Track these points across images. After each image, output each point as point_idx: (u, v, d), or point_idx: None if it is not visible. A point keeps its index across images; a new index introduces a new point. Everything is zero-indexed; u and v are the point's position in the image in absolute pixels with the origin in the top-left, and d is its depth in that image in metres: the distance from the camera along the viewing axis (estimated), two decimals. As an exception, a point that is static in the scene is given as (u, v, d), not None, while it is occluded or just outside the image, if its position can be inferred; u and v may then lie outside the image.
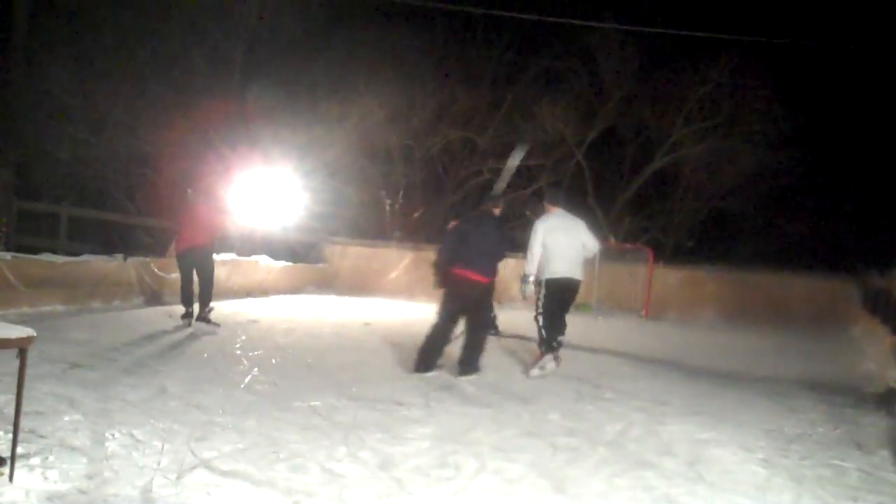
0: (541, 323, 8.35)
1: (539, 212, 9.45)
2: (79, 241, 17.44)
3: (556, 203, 9.07)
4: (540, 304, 8.38)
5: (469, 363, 7.77)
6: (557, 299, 8.39)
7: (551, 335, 8.30)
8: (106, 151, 20.48)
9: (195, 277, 10.27)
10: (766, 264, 19.32)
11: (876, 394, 8.08)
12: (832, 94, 21.29)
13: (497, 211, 8.57)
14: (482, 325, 8.20)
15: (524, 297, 8.86)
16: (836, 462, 5.26)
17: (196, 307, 10.00)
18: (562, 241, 8.55)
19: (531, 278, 8.44)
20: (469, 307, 7.85)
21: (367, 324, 11.68)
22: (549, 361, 8.21)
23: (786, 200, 22.32)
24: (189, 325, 9.86)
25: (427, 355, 7.79)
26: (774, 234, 23.20)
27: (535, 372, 8.11)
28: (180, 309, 10.17)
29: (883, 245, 19.52)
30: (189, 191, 10.79)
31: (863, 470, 5.12)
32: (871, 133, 21.64)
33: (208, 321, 9.87)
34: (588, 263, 9.69)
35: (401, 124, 21.47)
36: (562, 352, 8.35)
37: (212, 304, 10.11)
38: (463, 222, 8.51)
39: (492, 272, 8.04)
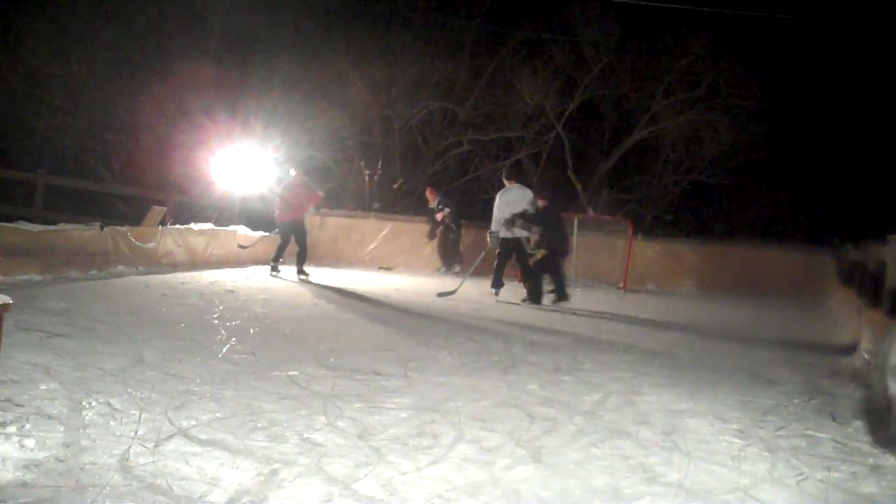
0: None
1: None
2: (55, 209, 17.31)
3: (510, 179, 12.64)
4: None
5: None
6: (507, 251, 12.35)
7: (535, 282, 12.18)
8: (82, 119, 20.29)
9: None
10: (744, 237, 19.48)
11: (851, 365, 8.15)
12: (811, 67, 21.33)
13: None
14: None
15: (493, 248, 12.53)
16: (810, 433, 5.31)
17: (276, 264, 13.70)
18: (514, 209, 12.07)
19: (495, 234, 12.32)
20: None
21: (345, 295, 11.67)
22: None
23: (764, 174, 22.42)
24: (276, 273, 13.59)
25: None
26: (752, 207, 23.33)
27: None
28: (156, 279, 10.27)
29: (859, 219, 19.72)
30: (292, 171, 14.09)
31: (837, 440, 5.18)
32: (850, 107, 21.75)
33: (305, 273, 13.45)
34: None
35: (380, 94, 21.35)
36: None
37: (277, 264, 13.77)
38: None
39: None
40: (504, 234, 12.14)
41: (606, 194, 22.79)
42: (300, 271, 13.49)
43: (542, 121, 22.55)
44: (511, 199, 12.23)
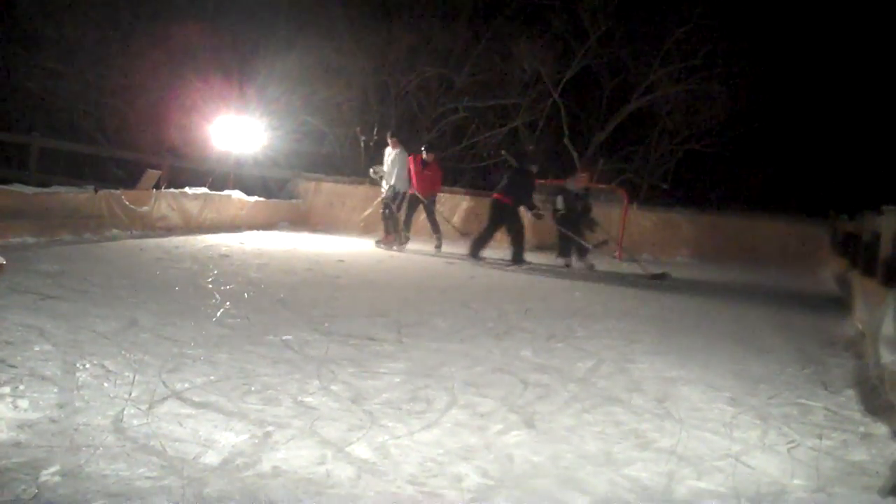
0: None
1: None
2: (49, 172, 17.24)
3: (396, 143, 14.15)
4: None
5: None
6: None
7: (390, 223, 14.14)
8: (76, 82, 20.16)
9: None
10: (740, 207, 19.46)
11: (844, 335, 8.19)
12: (809, 37, 21.22)
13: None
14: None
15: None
16: (802, 401, 5.34)
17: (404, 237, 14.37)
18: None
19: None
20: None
21: (340, 260, 11.66)
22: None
23: (760, 144, 22.37)
24: (406, 242, 14.32)
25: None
26: (748, 177, 23.30)
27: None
28: (150, 243, 10.29)
29: (854, 189, 19.71)
30: (424, 148, 14.81)
31: (828, 409, 5.20)
32: (847, 79, 21.68)
33: (440, 247, 14.46)
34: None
35: (377, 61, 21.21)
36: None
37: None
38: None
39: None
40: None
41: (602, 163, 22.72)
42: (438, 246, 14.58)
43: (539, 88, 22.44)
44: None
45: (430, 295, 9.12)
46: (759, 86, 20.97)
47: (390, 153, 14.19)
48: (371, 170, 14.86)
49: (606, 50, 22.30)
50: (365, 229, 17.21)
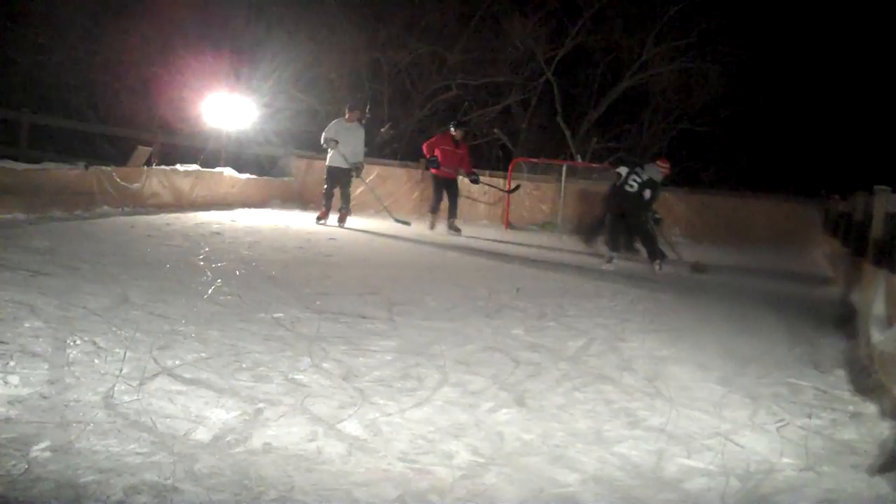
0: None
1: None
2: (39, 149, 17.13)
3: (355, 116, 13.81)
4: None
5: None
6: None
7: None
8: (67, 58, 20.02)
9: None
10: (733, 187, 19.49)
11: (834, 315, 8.21)
12: (803, 16, 21.20)
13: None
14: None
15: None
16: (792, 381, 5.35)
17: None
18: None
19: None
20: None
21: (332, 238, 11.64)
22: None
23: (753, 123, 22.38)
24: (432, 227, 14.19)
25: None
26: (741, 156, 23.31)
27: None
28: (141, 220, 10.37)
29: (846, 170, 19.74)
30: (453, 125, 14.51)
31: (818, 388, 5.22)
32: (840, 59, 21.68)
33: (457, 229, 13.97)
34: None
35: (369, 37, 21.11)
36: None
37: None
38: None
39: None
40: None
41: (595, 142, 22.70)
42: (453, 226, 14.19)
43: (532, 66, 22.39)
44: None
45: (422, 273, 9.12)
46: (753, 65, 20.95)
47: (348, 127, 13.67)
48: (329, 141, 13.48)
49: (600, 27, 22.24)
50: (356, 208, 17.15)
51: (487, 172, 17.70)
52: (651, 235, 11.33)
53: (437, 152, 14.11)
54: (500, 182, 17.13)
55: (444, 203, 14.49)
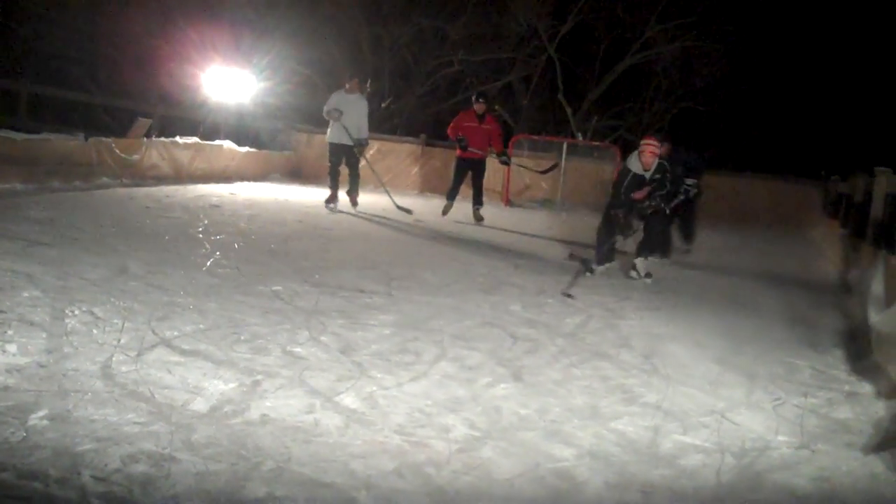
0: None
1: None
2: (39, 119, 17.06)
3: (356, 86, 12.28)
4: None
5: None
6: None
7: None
8: (67, 28, 19.91)
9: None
10: (733, 166, 19.47)
11: (833, 295, 8.23)
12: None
13: None
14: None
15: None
16: (789, 360, 5.37)
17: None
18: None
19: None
20: None
21: (331, 213, 11.62)
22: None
23: (754, 103, 22.34)
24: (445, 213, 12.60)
25: None
26: (742, 136, 23.29)
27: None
28: (140, 192, 10.44)
29: (846, 151, 19.73)
30: (474, 97, 12.81)
31: (815, 368, 5.24)
32: (841, 39, 21.61)
33: (480, 218, 12.43)
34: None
35: (371, 12, 21.00)
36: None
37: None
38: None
39: None
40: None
41: (596, 120, 22.67)
42: (477, 213, 12.60)
43: (535, 43, 22.30)
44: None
45: (421, 249, 9.13)
46: (754, 45, 20.88)
47: (349, 98, 12.01)
48: (333, 112, 11.89)
49: (602, 4, 22.14)
50: (362, 182, 17.13)
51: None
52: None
53: (462, 133, 12.37)
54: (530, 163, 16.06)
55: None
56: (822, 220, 15.48)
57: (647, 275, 8.28)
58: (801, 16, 21.17)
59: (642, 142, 8.38)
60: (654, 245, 8.77)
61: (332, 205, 12.10)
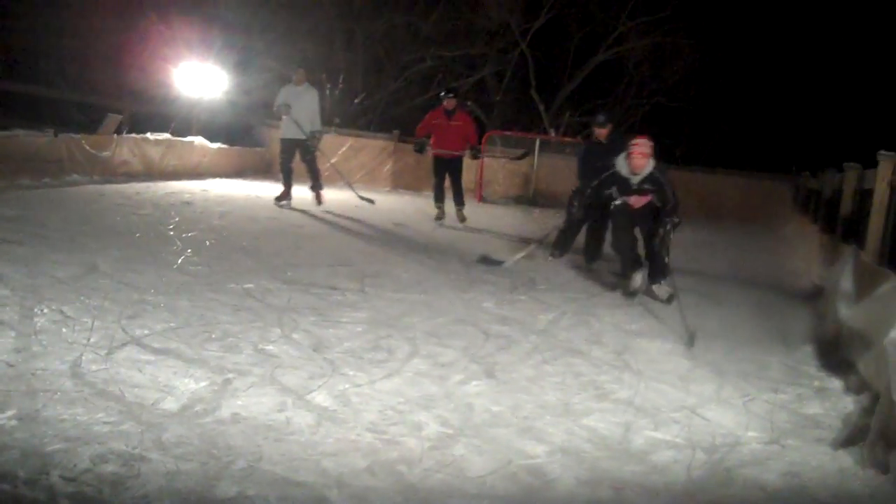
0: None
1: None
2: (7, 116, 16.87)
3: (304, 77, 12.00)
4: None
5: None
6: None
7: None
8: (35, 23, 19.69)
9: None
10: (703, 163, 19.58)
11: (803, 291, 8.29)
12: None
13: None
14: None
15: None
16: (759, 356, 5.41)
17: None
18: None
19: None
20: None
21: (303, 210, 11.57)
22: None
23: (726, 100, 22.48)
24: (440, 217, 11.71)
25: None
26: (714, 133, 23.42)
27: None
28: (111, 188, 10.32)
29: (817, 146, 19.90)
30: (442, 94, 11.91)
31: (785, 364, 5.28)
32: (812, 35, 21.77)
33: (464, 218, 11.73)
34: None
35: (343, 7, 20.93)
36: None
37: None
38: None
39: None
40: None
41: (569, 116, 22.71)
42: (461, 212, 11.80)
43: (507, 38, 22.31)
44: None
45: (395, 246, 9.11)
46: (726, 41, 21.01)
47: (298, 90, 11.70)
48: (282, 107, 11.57)
49: (575, 0, 22.17)
50: (328, 179, 17.07)
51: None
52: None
53: (431, 131, 11.63)
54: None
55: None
56: (793, 217, 15.60)
57: (670, 297, 7.05)
58: (772, 12, 21.32)
59: (631, 142, 7.45)
60: (663, 267, 7.37)
61: (284, 202, 11.82)
